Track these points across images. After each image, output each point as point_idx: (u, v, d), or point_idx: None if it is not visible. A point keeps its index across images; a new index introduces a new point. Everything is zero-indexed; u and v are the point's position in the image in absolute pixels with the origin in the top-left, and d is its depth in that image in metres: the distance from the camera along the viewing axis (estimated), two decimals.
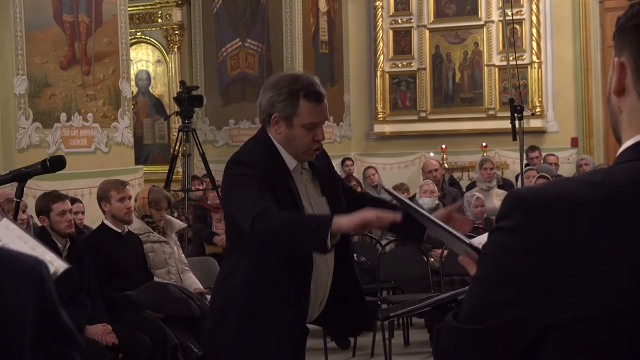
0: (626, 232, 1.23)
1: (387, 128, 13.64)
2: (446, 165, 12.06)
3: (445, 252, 7.02)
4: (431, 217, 1.97)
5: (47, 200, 5.52)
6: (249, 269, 3.26)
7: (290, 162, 3.29)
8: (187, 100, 9.04)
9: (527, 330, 1.27)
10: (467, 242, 1.70)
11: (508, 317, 1.27)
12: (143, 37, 12.99)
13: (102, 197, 5.78)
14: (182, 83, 9.73)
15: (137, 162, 9.99)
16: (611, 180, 1.27)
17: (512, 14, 10.85)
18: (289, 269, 3.25)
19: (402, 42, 13.61)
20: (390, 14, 13.59)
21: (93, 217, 6.89)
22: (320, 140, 3.26)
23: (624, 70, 1.33)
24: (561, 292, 1.23)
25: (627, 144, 1.32)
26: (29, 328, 1.23)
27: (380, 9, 13.52)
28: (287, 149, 3.27)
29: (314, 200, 3.34)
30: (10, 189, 5.97)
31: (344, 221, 2.94)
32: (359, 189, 8.65)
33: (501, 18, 11.61)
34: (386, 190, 2.95)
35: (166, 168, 9.74)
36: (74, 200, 6.70)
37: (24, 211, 6.42)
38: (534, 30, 12.79)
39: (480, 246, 1.72)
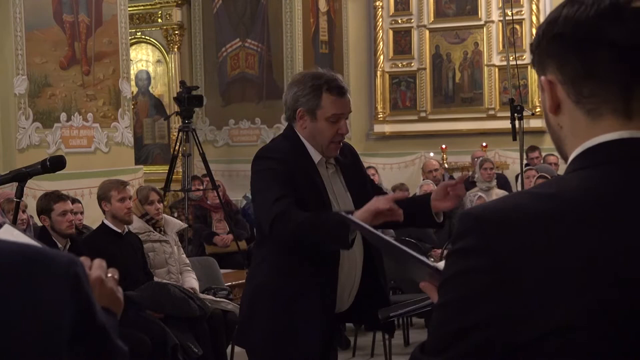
0: (583, 243, 1.21)
1: (387, 128, 13.64)
2: (446, 165, 12.06)
3: (446, 251, 7.01)
4: (392, 241, 1.88)
5: (49, 200, 5.52)
6: (274, 264, 3.36)
7: (316, 156, 3.38)
8: (187, 100, 9.05)
9: (493, 353, 1.24)
10: (432, 265, 1.57)
11: (473, 342, 1.24)
12: (143, 37, 12.99)
13: (103, 197, 5.78)
14: (182, 83, 9.74)
15: (137, 162, 9.98)
16: (564, 191, 1.26)
17: (512, 14, 10.84)
18: (314, 262, 3.32)
19: (402, 42, 13.62)
20: (390, 14, 13.59)
21: (93, 217, 6.89)
22: (344, 133, 3.36)
23: (553, 87, 1.32)
24: (525, 310, 1.20)
25: (576, 151, 1.31)
26: (65, 327, 1.25)
27: (380, 9, 13.52)
28: (312, 144, 3.37)
29: (339, 195, 3.42)
30: (10, 189, 5.97)
31: (358, 214, 3.03)
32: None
33: (501, 18, 11.61)
34: (340, 212, 3.03)
35: (166, 168, 9.75)
36: (73, 201, 6.69)
37: (24, 211, 6.42)
38: (534, 30, 12.79)
39: None
